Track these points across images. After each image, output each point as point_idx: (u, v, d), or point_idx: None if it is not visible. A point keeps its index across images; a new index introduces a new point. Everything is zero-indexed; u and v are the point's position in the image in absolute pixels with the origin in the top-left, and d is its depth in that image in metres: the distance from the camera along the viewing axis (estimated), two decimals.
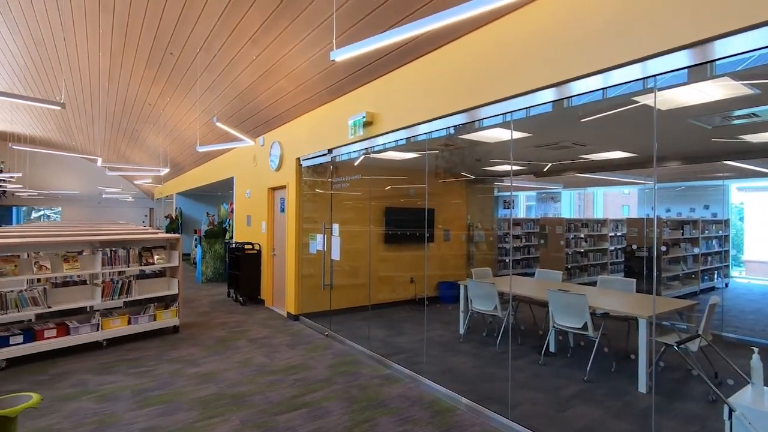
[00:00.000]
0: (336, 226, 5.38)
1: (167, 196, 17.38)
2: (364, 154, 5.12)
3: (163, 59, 6.45)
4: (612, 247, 8.04)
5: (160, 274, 5.75)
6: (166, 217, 15.80)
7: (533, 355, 4.65)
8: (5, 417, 2.33)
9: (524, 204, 10.02)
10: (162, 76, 7.11)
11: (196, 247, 11.13)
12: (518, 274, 7.73)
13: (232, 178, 9.35)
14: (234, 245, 8.01)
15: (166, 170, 10.01)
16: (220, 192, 14.01)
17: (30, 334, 4.40)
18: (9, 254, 4.37)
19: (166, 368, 4.29)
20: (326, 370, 4.31)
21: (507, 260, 8.34)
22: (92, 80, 8.25)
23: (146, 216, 21.81)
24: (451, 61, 3.64)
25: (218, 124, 4.69)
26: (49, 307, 4.52)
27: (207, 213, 11.78)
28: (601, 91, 2.65)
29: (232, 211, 9.86)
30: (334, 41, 3.11)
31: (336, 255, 5.35)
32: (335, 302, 5.93)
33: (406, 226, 7.35)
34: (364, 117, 4.56)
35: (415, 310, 7.01)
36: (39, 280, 5.09)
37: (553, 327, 4.35)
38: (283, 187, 6.77)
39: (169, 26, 5.43)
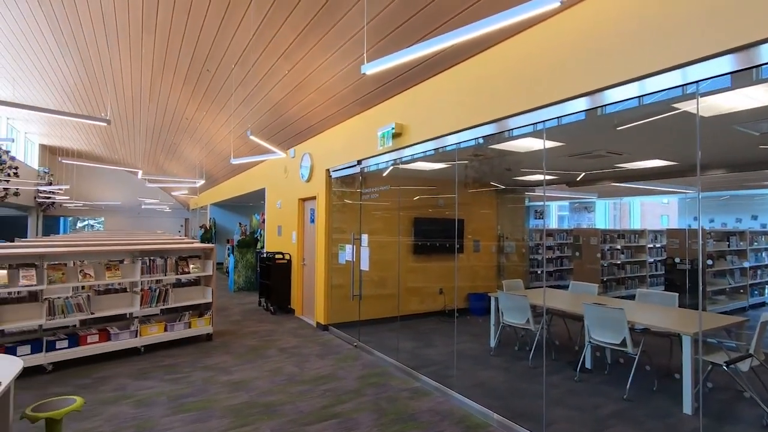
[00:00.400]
0: (365, 237, 5.41)
1: (202, 206, 17.97)
2: (392, 164, 5.15)
3: (200, 75, 6.72)
4: (651, 259, 7.71)
5: (195, 282, 5.92)
6: (201, 227, 16.32)
7: (568, 371, 4.49)
8: (52, 419, 2.44)
9: (556, 214, 9.78)
10: (199, 91, 7.41)
11: (228, 256, 11.42)
12: (551, 287, 7.52)
13: (263, 189, 9.57)
14: (265, 255, 8.17)
15: (202, 182, 10.36)
16: (251, 203, 14.37)
17: (74, 339, 4.61)
18: (57, 262, 4.62)
19: (200, 375, 4.39)
20: (355, 381, 4.30)
21: (539, 272, 8.14)
22: (134, 97, 8.68)
23: (182, 226, 22.60)
24: (480, 71, 3.62)
25: (252, 138, 4.83)
26: (92, 314, 4.73)
27: (239, 223, 12.09)
28: (638, 99, 2.57)
29: (263, 222, 10.08)
30: (365, 54, 3.16)
31: (365, 265, 5.36)
32: (364, 313, 5.94)
33: (435, 236, 7.30)
34: (393, 128, 4.59)
35: (444, 322, 6.92)
36: (83, 287, 5.34)
37: (589, 342, 4.19)
38: (313, 198, 6.87)
39: (206, 44, 5.66)
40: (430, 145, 4.33)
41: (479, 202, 8.28)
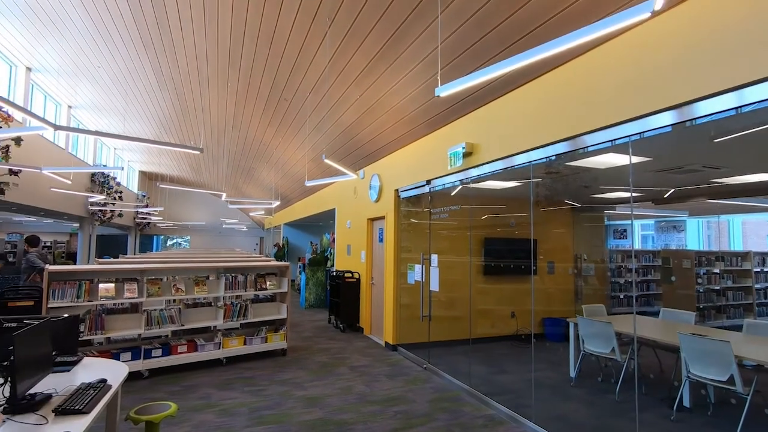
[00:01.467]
0: (435, 257, 5.37)
1: (275, 226, 18.96)
2: (463, 184, 5.10)
3: (278, 104, 7.20)
4: (758, 285, 6.82)
5: (271, 299, 6.21)
6: (275, 245, 17.20)
7: (662, 409, 4.05)
8: (151, 422, 2.66)
9: (639, 234, 9.03)
10: (276, 118, 7.93)
11: (300, 274, 11.88)
12: (637, 313, 6.90)
13: (333, 210, 9.90)
14: (335, 273, 8.39)
15: (277, 203, 10.94)
16: (322, 222, 14.91)
17: (167, 348, 5.02)
18: (154, 277, 5.10)
19: (276, 389, 4.56)
20: (426, 404, 4.22)
21: (622, 297, 7.52)
22: (220, 126, 9.49)
23: (257, 244, 23.99)
24: (554, 88, 3.51)
25: (326, 161, 5.06)
26: (182, 325, 5.14)
27: (311, 242, 12.57)
28: (735, 110, 2.34)
29: (333, 241, 10.40)
30: (439, 73, 3.21)
31: (435, 286, 5.31)
32: (434, 334, 5.84)
33: (505, 257, 7.06)
34: (463, 148, 4.56)
35: (516, 347, 6.60)
36: (175, 300, 5.83)
37: (687, 377, 3.76)
38: (381, 218, 6.98)
39: (283, 75, 6.07)
40: (501, 164, 4.25)
41: (553, 221, 7.89)
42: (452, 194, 5.66)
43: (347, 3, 3.90)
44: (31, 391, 2.12)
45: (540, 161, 3.81)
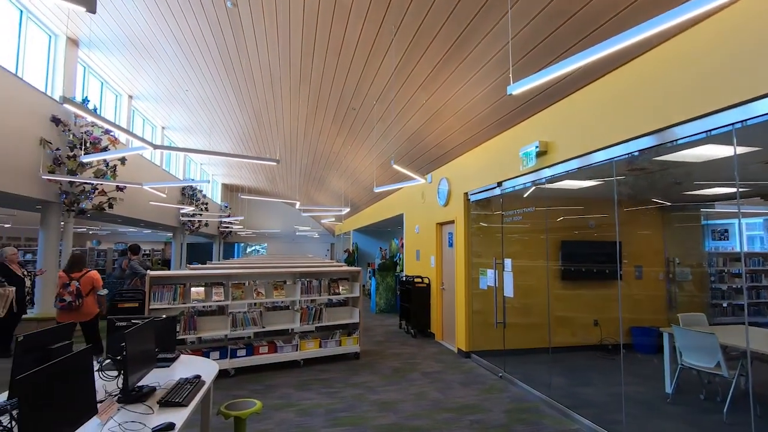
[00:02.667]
0: (508, 261, 5.18)
1: (345, 232, 19.49)
2: (537, 184, 4.87)
3: (346, 113, 7.42)
4: None
5: (344, 303, 6.37)
6: (345, 251, 17.67)
7: None
8: (239, 418, 2.83)
9: (744, 234, 7.99)
10: (345, 128, 8.17)
11: (370, 279, 12.07)
12: (746, 323, 6.10)
13: (401, 215, 9.96)
14: (404, 278, 8.41)
15: (347, 210, 11.23)
16: (390, 228, 15.06)
17: (250, 348, 5.34)
18: (238, 282, 5.46)
19: (350, 392, 4.65)
20: (503, 415, 4.06)
21: (725, 305, 6.71)
22: (293, 138, 9.98)
23: (328, 250, 24.82)
24: (637, 78, 3.24)
25: (395, 166, 5.11)
26: (263, 328, 5.44)
27: (380, 248, 12.74)
28: None
29: (402, 246, 10.45)
30: (510, 70, 3.12)
31: (509, 291, 5.11)
32: (509, 342, 5.62)
33: (585, 261, 6.61)
34: (537, 147, 4.37)
35: (600, 358, 6.13)
36: (256, 304, 6.19)
37: None
38: (451, 222, 6.89)
39: (351, 87, 6.25)
40: (575, 163, 4.01)
41: (638, 221, 7.26)
42: (525, 196, 5.43)
43: (413, 8, 3.92)
44: (139, 383, 2.36)
45: (621, 158, 3.53)
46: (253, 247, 25.14)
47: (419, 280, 7.96)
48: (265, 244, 24.52)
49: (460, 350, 6.32)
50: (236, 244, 24.36)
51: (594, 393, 4.62)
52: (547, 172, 4.47)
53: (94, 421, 1.89)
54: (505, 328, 5.53)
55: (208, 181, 10.63)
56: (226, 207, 19.68)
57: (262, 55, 6.07)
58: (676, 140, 3.02)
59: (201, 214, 14.87)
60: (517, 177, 5.01)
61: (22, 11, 6.37)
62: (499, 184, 5.39)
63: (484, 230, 6.34)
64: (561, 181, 4.67)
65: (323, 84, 6.54)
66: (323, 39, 5.18)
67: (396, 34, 4.49)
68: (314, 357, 5.79)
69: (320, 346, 5.79)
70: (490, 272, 5.59)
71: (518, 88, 2.53)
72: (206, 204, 15.69)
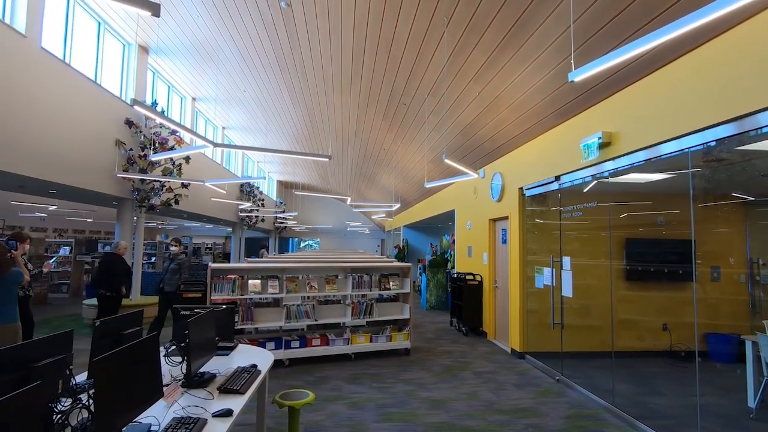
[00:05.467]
0: (567, 260, 4.92)
1: (395, 228, 19.54)
2: (599, 178, 4.58)
3: (397, 109, 7.39)
4: None
5: (394, 299, 6.37)
6: (395, 247, 17.71)
7: None
8: (293, 407, 2.90)
9: None
10: (395, 123, 8.15)
11: (420, 275, 12.01)
12: None
13: (453, 211, 9.79)
14: (456, 275, 8.27)
15: (397, 205, 11.22)
16: (440, 224, 14.89)
17: (303, 340, 5.48)
18: (292, 275, 5.61)
19: (401, 388, 4.64)
20: (562, 420, 3.86)
21: None
22: (344, 135, 10.12)
23: (378, 246, 25.02)
24: (715, 61, 2.92)
25: (446, 161, 5.00)
26: (316, 320, 5.56)
27: (431, 244, 12.63)
28: None
29: (453, 242, 10.28)
30: (572, 56, 2.93)
31: (567, 291, 4.86)
32: (567, 344, 5.35)
33: (652, 260, 6.13)
34: (599, 138, 4.09)
35: (671, 365, 5.67)
36: (309, 297, 6.35)
37: None
38: (504, 218, 6.66)
39: (402, 81, 6.20)
40: (642, 155, 3.72)
41: (715, 218, 6.61)
42: (585, 191, 5.12)
43: None
44: (201, 370, 2.48)
45: (696, 148, 3.22)
46: (307, 242, 25.89)
47: (471, 277, 7.79)
48: (318, 239, 25.17)
49: (514, 350, 6.11)
50: (290, 239, 25.20)
51: (664, 403, 4.29)
52: (610, 165, 4.18)
53: (161, 403, 2.01)
54: (563, 329, 5.27)
55: (264, 178, 11.06)
56: (281, 203, 20.40)
57: (314, 54, 6.18)
58: (761, 128, 2.70)
59: (258, 210, 15.51)
60: (576, 170, 4.74)
61: (99, 23, 6.93)
62: (557, 178, 5.13)
63: (539, 227, 6.07)
64: (626, 174, 4.35)
65: (374, 80, 6.55)
66: (374, 34, 5.17)
67: (448, 25, 4.38)
68: (365, 351, 5.83)
69: (371, 341, 5.83)
70: (546, 270, 5.35)
71: (580, 75, 2.37)
72: (262, 200, 16.35)
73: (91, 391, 1.68)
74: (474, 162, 7.67)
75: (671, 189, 5.24)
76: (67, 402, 1.80)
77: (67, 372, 1.95)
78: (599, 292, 5.42)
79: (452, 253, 10.40)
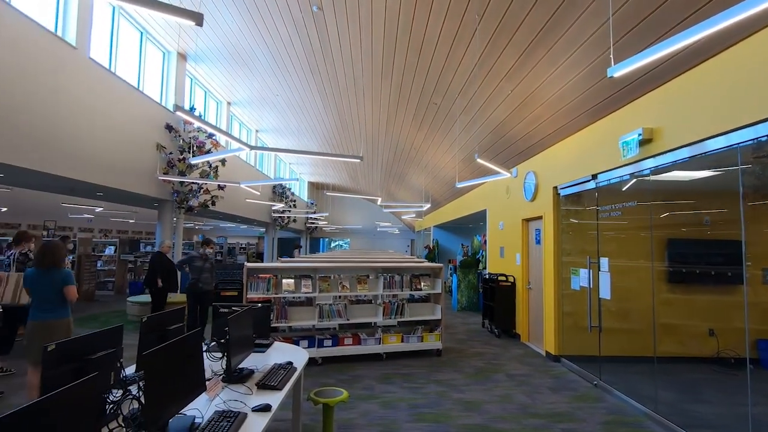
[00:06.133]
0: (605, 261, 4.76)
1: (425, 228, 19.45)
2: (638, 176, 4.41)
3: (428, 108, 7.36)
4: None
5: (425, 299, 6.35)
6: (425, 247, 17.64)
7: None
8: (327, 405, 2.95)
9: None
10: (426, 122, 8.12)
11: (451, 276, 11.91)
12: None
13: (484, 211, 9.66)
14: (488, 276, 8.16)
15: (428, 205, 11.18)
16: (471, 224, 14.72)
17: (336, 339, 5.56)
18: (324, 275, 5.70)
19: (433, 388, 4.62)
20: (600, 427, 3.75)
21: None
22: (374, 135, 10.17)
23: (408, 246, 24.99)
24: (764, 53, 2.76)
25: (478, 160, 4.95)
26: (348, 320, 5.62)
27: (462, 244, 12.50)
28: None
29: (485, 243, 10.15)
30: (611, 50, 2.84)
31: (605, 293, 4.71)
32: (605, 348, 5.18)
33: (697, 262, 5.84)
34: (640, 134, 3.95)
35: (719, 372, 5.38)
36: (341, 297, 6.42)
37: None
38: (538, 218, 6.52)
39: (433, 81, 6.18)
40: (686, 152, 3.57)
41: (765, 218, 6.25)
42: (623, 189, 4.94)
43: None
44: (240, 366, 2.56)
45: (745, 144, 3.05)
46: (337, 242, 26.18)
47: (503, 278, 7.66)
48: (348, 239, 25.40)
49: (549, 353, 5.97)
50: (321, 239, 25.55)
51: (711, 412, 4.08)
52: (651, 163, 4.03)
53: (203, 397, 2.09)
54: (601, 333, 5.10)
55: (297, 180, 11.27)
56: (313, 204, 20.72)
57: (345, 56, 6.25)
58: None
59: (290, 211, 15.82)
60: (615, 169, 4.59)
61: (142, 33, 7.26)
62: (594, 176, 4.98)
63: (575, 227, 5.90)
64: (668, 172, 4.17)
65: (404, 80, 6.55)
66: (405, 35, 5.18)
67: (480, 23, 4.33)
68: (396, 351, 5.85)
69: (402, 341, 5.84)
70: (583, 272, 5.20)
71: (620, 70, 2.30)
72: (294, 201, 16.66)
73: (140, 383, 1.77)
74: (506, 161, 7.55)
75: (717, 187, 4.98)
76: (118, 393, 1.91)
77: (118, 364, 2.06)
78: (639, 295, 5.22)
79: (484, 253, 10.26)
